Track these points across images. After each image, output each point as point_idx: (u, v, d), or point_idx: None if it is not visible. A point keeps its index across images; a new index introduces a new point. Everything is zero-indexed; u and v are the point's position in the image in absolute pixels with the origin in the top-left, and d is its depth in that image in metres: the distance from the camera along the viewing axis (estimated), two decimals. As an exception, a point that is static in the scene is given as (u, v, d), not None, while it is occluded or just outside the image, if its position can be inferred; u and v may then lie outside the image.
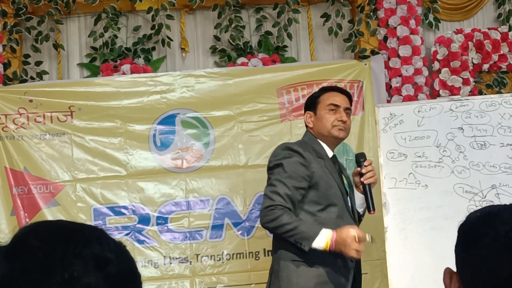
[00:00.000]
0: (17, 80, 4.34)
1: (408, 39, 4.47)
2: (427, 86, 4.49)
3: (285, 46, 4.58)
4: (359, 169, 2.95)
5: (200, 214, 4.12)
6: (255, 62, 4.43)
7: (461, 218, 1.23)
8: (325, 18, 4.56)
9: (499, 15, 4.78)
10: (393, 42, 4.49)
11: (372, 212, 2.91)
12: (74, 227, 1.01)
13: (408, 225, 3.33)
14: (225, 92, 4.24)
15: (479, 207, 1.24)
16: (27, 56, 4.44)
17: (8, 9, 4.37)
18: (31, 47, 4.44)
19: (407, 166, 3.40)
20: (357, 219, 3.02)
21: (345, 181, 3.03)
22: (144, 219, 4.09)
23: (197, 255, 4.07)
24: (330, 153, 3.01)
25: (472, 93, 4.51)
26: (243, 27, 4.53)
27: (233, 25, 4.49)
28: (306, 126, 3.08)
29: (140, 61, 4.46)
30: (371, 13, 4.55)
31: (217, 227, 4.11)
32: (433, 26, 4.71)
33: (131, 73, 4.34)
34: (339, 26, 4.55)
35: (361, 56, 4.48)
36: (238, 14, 4.50)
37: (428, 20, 4.69)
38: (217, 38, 4.56)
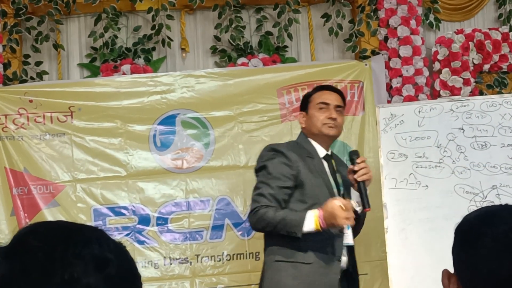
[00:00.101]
0: (17, 80, 4.33)
1: (409, 39, 4.47)
2: (428, 86, 4.48)
3: (286, 46, 4.58)
4: (352, 166, 2.94)
5: (200, 215, 4.11)
6: (255, 62, 4.42)
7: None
8: (325, 18, 4.56)
9: (500, 16, 4.78)
10: (394, 43, 4.49)
11: (367, 209, 2.88)
12: (74, 228, 1.01)
13: (408, 226, 3.33)
14: (225, 93, 4.24)
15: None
16: (27, 56, 4.43)
17: (8, 9, 4.37)
18: (31, 47, 4.43)
19: (407, 166, 3.40)
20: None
21: (339, 180, 3.02)
22: (144, 220, 4.09)
23: (197, 255, 4.07)
24: (322, 152, 3.02)
25: (472, 93, 4.50)
26: (244, 27, 4.52)
27: (233, 25, 4.48)
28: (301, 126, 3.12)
29: (140, 61, 4.45)
30: (372, 13, 4.54)
31: (217, 228, 4.10)
32: (434, 26, 4.70)
33: (131, 73, 4.33)
34: (340, 26, 4.55)
35: (362, 56, 4.48)
36: (238, 14, 4.49)
37: (428, 20, 4.69)
38: (217, 38, 4.56)
